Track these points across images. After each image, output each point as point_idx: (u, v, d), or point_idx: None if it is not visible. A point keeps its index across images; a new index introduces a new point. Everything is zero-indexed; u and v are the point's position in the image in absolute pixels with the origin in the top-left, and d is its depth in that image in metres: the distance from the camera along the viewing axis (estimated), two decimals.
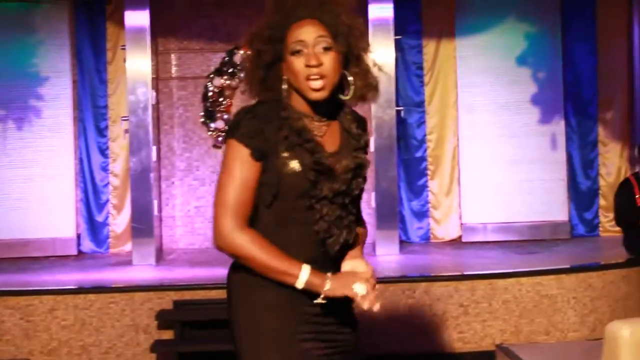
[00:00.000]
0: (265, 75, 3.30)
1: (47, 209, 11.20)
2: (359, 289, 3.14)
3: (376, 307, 3.15)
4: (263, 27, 3.30)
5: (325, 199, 3.20)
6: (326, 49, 3.21)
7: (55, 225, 11.25)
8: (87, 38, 11.54)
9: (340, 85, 3.29)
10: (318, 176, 3.18)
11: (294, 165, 3.17)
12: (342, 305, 3.29)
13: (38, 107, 11.45)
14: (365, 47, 3.33)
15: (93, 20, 11.55)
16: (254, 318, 3.23)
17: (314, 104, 3.24)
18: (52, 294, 8.14)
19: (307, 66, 3.19)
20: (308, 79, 3.20)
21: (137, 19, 10.43)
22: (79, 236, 11.40)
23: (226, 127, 11.45)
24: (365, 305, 3.13)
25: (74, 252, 11.26)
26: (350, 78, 3.27)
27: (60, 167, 11.26)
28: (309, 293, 3.16)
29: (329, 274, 3.15)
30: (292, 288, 3.15)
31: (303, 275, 3.13)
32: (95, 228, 11.37)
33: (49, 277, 9.50)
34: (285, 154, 3.17)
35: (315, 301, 3.14)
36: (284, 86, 3.28)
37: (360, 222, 3.48)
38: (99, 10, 11.54)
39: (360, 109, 10.45)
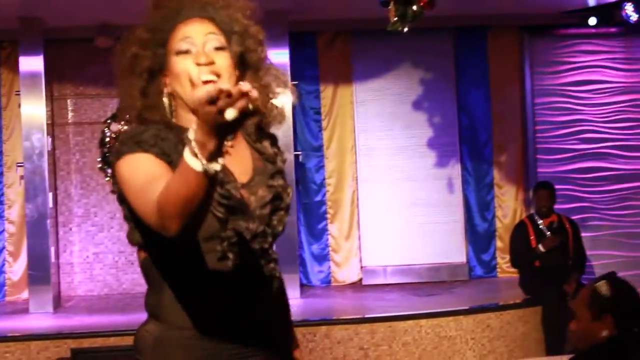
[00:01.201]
0: (146, 85, 2.73)
1: None
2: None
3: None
4: (141, 30, 2.77)
5: (241, 244, 2.61)
6: (218, 48, 2.68)
7: None
8: None
9: None
10: (228, 213, 2.58)
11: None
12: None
13: None
14: (266, 56, 2.84)
15: None
16: None
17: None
18: None
19: (197, 64, 2.63)
20: (194, 78, 2.63)
21: (32, 64, 10.32)
22: None
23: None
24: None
25: None
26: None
27: None
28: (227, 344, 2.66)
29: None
30: (207, 345, 2.64)
31: (188, 152, 2.21)
32: None
33: None
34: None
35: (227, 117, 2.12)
36: (165, 99, 2.73)
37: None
38: None
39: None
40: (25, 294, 10.75)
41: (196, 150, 2.17)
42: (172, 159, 2.52)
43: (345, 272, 11.55)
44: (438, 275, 11.40)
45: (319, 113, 11.66)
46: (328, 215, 11.58)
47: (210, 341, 2.63)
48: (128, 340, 7.87)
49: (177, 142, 2.56)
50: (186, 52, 2.67)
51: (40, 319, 9.55)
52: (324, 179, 11.60)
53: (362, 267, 11.50)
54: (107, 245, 11.52)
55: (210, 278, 2.60)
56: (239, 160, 2.69)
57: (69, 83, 11.53)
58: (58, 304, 10.28)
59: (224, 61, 2.66)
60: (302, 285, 10.67)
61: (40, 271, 10.03)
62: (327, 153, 11.62)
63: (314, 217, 11.56)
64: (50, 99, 10.92)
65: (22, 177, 10.52)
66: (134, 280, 11.46)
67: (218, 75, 2.62)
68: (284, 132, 10.29)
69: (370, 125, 11.64)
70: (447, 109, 11.70)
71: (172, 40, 2.70)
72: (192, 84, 2.62)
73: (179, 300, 2.62)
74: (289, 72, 10.40)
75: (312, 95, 11.64)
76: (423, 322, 8.32)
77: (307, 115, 11.62)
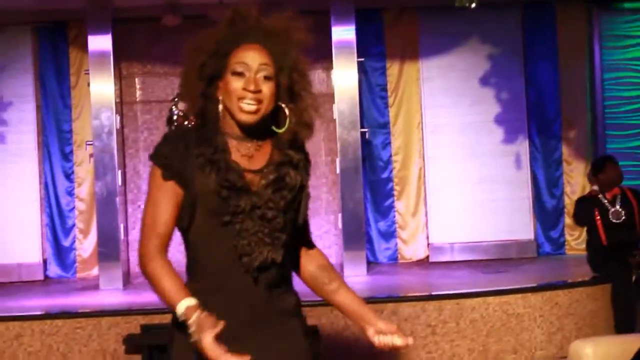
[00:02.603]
0: (205, 89, 3.25)
1: (13, 235, 11.13)
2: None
3: None
4: (211, 41, 3.26)
5: (242, 214, 3.15)
6: (267, 77, 3.19)
7: (21, 251, 11.18)
8: (50, 63, 11.51)
9: (275, 117, 3.26)
10: (230, 192, 3.14)
11: (208, 182, 3.14)
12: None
13: (2, 133, 11.39)
14: (307, 87, 3.32)
15: (56, 45, 11.52)
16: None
17: (244, 127, 3.20)
18: (18, 320, 8.09)
19: (244, 89, 3.17)
20: (241, 100, 3.17)
21: (100, 43, 10.39)
22: (45, 261, 11.33)
23: None
24: None
25: (41, 277, 11.20)
26: (288, 113, 3.24)
27: (26, 192, 11.18)
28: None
29: (197, 313, 3.00)
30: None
31: (179, 308, 3.04)
32: (61, 253, 11.31)
33: (15, 303, 9.42)
34: (200, 173, 3.14)
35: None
36: (219, 105, 3.25)
37: (313, 249, 3.52)
38: (61, 35, 11.52)
39: (325, 131, 10.48)
40: (95, 271, 10.91)
41: (182, 318, 3.02)
42: (181, 175, 3.16)
43: (412, 249, 11.53)
44: (505, 253, 11.34)
45: (385, 90, 11.63)
46: (395, 192, 11.56)
47: (207, 294, 3.14)
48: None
49: (200, 149, 3.17)
50: (240, 74, 3.19)
51: (110, 295, 9.67)
52: (390, 155, 11.58)
53: (428, 244, 11.48)
54: None
55: (214, 241, 3.18)
56: (260, 155, 3.26)
57: (137, 62, 11.62)
58: (127, 280, 10.40)
59: (268, 90, 3.18)
60: (368, 263, 10.67)
61: (110, 248, 10.15)
62: (394, 130, 11.59)
63: (381, 194, 11.55)
64: (119, 77, 11.02)
65: (91, 156, 10.63)
66: None
67: (260, 102, 3.17)
68: (350, 109, 10.32)
69: (436, 102, 11.60)
70: (515, 85, 11.61)
71: (232, 58, 3.21)
72: (237, 102, 3.19)
73: (192, 261, 3.26)
74: (355, 49, 10.40)
75: (378, 72, 11.61)
76: (491, 299, 8.27)
77: (374, 92, 11.60)
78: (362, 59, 10.78)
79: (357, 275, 10.12)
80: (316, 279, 3.46)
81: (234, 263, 3.16)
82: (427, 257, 11.46)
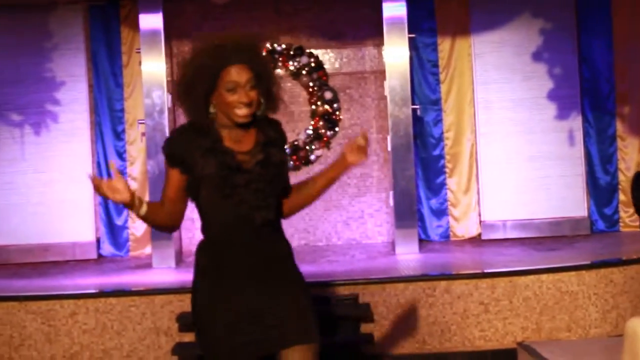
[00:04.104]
0: (204, 102, 4.23)
1: (67, 214, 11.24)
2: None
3: None
4: (201, 66, 4.22)
5: (240, 187, 4.16)
6: (252, 87, 4.19)
7: (74, 230, 11.29)
8: (102, 42, 11.57)
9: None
10: (228, 172, 4.16)
11: (209, 165, 4.17)
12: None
13: (55, 112, 11.48)
14: (274, 80, 4.32)
15: (108, 24, 11.58)
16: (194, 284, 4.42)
17: (238, 124, 4.24)
18: (73, 298, 8.18)
19: (239, 102, 4.17)
20: (236, 108, 4.19)
21: (151, 22, 10.44)
22: (98, 240, 11.43)
23: None
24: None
25: (94, 256, 11.30)
26: (263, 101, 4.26)
27: (79, 171, 11.25)
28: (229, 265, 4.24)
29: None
30: (214, 260, 4.27)
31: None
32: (114, 232, 11.40)
33: (70, 281, 9.52)
34: (202, 159, 4.18)
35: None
36: (212, 110, 4.26)
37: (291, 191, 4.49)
38: (113, 13, 11.57)
39: (376, 108, 10.49)
40: (148, 249, 10.99)
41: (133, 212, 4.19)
42: (185, 163, 4.23)
43: (464, 226, 11.48)
44: (559, 230, 11.25)
45: (436, 66, 11.56)
46: (446, 170, 11.51)
47: (219, 246, 4.27)
48: None
49: (198, 142, 4.21)
50: (233, 89, 4.18)
51: (163, 274, 9.73)
52: (442, 132, 11.52)
53: (481, 221, 11.42)
54: None
55: (220, 209, 4.21)
56: (248, 138, 4.28)
57: (188, 40, 11.63)
58: (180, 259, 10.46)
59: (255, 95, 4.21)
60: (420, 241, 10.65)
61: None
62: (445, 106, 11.53)
63: (432, 171, 11.50)
64: (170, 56, 11.04)
65: (143, 134, 10.69)
66: None
67: (251, 106, 4.20)
68: (401, 86, 10.28)
69: (488, 78, 11.51)
70: (568, 60, 11.48)
71: (223, 77, 4.19)
72: (233, 110, 4.21)
73: (205, 224, 4.33)
74: (406, 25, 10.34)
75: (429, 48, 11.53)
76: (544, 277, 8.22)
77: (425, 68, 11.53)
78: (413, 35, 10.73)
79: (409, 253, 10.11)
80: (297, 192, 4.47)
81: (238, 224, 4.20)
82: (479, 234, 11.41)
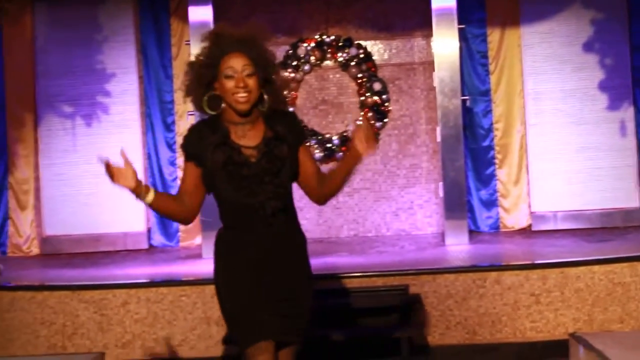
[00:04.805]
0: (205, 91, 4.46)
1: (118, 204, 11.28)
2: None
3: None
4: (203, 56, 4.46)
5: (247, 180, 4.37)
6: (249, 74, 4.36)
7: (126, 220, 11.38)
8: (151, 34, 11.64)
9: (260, 102, 4.45)
10: (234, 166, 4.38)
11: (217, 160, 4.39)
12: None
13: (105, 104, 11.58)
14: (276, 72, 4.52)
15: (157, 16, 11.66)
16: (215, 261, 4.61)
17: (240, 113, 4.40)
18: (124, 288, 8.24)
19: (236, 87, 4.35)
20: (235, 94, 4.36)
21: (201, 14, 10.48)
22: (149, 230, 11.52)
23: None
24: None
25: (145, 246, 11.40)
26: (266, 96, 4.44)
27: None
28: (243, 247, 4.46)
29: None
30: (230, 244, 4.49)
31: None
32: (165, 222, 11.46)
33: (121, 271, 9.60)
34: (212, 155, 4.40)
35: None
36: (223, 105, 4.47)
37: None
38: (162, 6, 11.64)
39: (425, 99, 10.46)
40: (198, 240, 11.05)
41: (139, 200, 4.38)
42: (200, 157, 4.43)
43: (514, 217, 11.43)
44: (610, 221, 11.16)
45: (486, 57, 11.51)
46: (496, 161, 11.45)
47: (235, 232, 4.48)
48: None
49: (210, 138, 4.42)
50: (230, 76, 4.37)
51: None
52: (491, 123, 11.47)
53: (531, 212, 11.36)
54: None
55: (232, 200, 4.42)
56: (255, 133, 4.46)
57: None
58: None
59: (252, 83, 4.37)
60: (470, 232, 10.61)
61: (211, 217, 10.19)
62: (495, 97, 11.47)
63: (482, 162, 11.45)
64: None
65: None
66: (303, 226, 11.53)
67: (249, 92, 4.36)
68: (450, 77, 10.24)
69: (538, 69, 11.45)
70: (619, 50, 11.38)
71: (222, 65, 4.39)
72: (233, 97, 4.38)
73: (222, 213, 4.52)
74: (455, 16, 10.30)
75: (479, 39, 11.48)
76: (596, 268, 8.15)
77: (474, 59, 11.48)
78: (463, 26, 10.67)
79: (458, 244, 10.08)
80: (323, 182, 4.57)
81: (249, 214, 4.40)
82: (530, 225, 11.35)
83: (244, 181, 4.38)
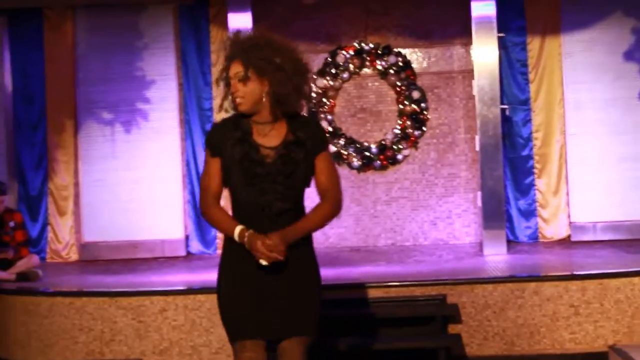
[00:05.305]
0: (228, 91, 4.63)
1: (156, 211, 11.39)
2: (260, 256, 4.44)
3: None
4: (224, 59, 4.68)
5: (260, 178, 4.50)
6: (241, 80, 4.53)
7: (163, 227, 11.43)
8: (191, 41, 11.69)
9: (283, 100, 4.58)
10: (250, 163, 4.52)
11: (235, 155, 4.53)
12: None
13: (145, 110, 11.64)
14: (286, 77, 4.53)
15: (197, 24, 11.70)
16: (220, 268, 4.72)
17: (258, 113, 4.57)
18: (162, 295, 8.25)
19: (233, 91, 4.57)
20: (234, 98, 4.58)
21: (240, 20, 10.53)
22: (187, 237, 11.55)
23: (330, 128, 11.53)
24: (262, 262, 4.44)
25: (183, 253, 11.43)
26: (264, 99, 4.55)
27: (168, 169, 11.41)
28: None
29: (247, 233, 4.47)
30: (235, 252, 4.56)
31: (235, 233, 4.49)
32: (202, 229, 11.49)
33: (159, 278, 9.63)
34: (231, 150, 4.55)
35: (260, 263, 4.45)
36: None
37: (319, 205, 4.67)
38: (202, 13, 11.69)
39: (464, 108, 10.41)
40: None
41: (238, 240, 4.48)
42: (221, 151, 4.58)
43: (553, 228, 11.35)
44: None
45: (525, 65, 11.45)
46: (535, 170, 11.39)
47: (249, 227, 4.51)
48: (336, 294, 8.00)
49: (232, 133, 4.58)
50: (230, 83, 4.59)
51: None
52: (530, 132, 11.41)
53: (570, 223, 11.29)
54: (314, 200, 11.67)
55: (244, 195, 4.55)
56: (275, 133, 4.59)
57: None
58: None
59: (245, 88, 4.54)
60: (508, 242, 10.55)
61: None
62: (534, 106, 11.42)
63: (521, 172, 11.40)
64: None
65: None
66: (341, 235, 11.62)
67: (242, 97, 4.54)
68: (490, 85, 10.20)
69: (578, 78, 11.39)
70: None
71: (229, 70, 4.61)
72: (235, 100, 4.60)
73: (233, 209, 4.63)
74: (495, 24, 10.27)
75: (518, 48, 11.43)
76: (636, 279, 8.07)
77: (514, 68, 11.43)
78: (502, 34, 10.63)
79: (496, 254, 10.03)
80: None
81: (258, 211, 4.52)
82: (569, 236, 11.28)
83: (256, 179, 4.51)
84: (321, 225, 4.67)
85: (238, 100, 4.56)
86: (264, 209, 4.51)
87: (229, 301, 4.65)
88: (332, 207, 4.69)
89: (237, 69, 4.56)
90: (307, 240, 4.69)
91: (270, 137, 4.59)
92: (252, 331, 4.57)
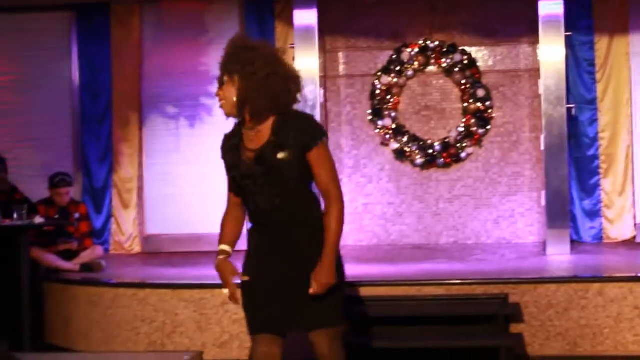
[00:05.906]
0: None
1: (219, 205, 11.31)
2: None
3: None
4: None
5: (246, 180, 4.66)
6: (219, 86, 4.69)
7: None
8: (257, 37, 11.69)
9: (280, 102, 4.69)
10: (235, 168, 4.71)
11: (229, 162, 4.75)
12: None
13: (209, 105, 11.69)
14: (247, 74, 4.59)
15: (262, 19, 11.73)
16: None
17: (250, 117, 4.65)
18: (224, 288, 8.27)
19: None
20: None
21: (306, 17, 10.54)
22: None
23: (393, 125, 11.50)
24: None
25: (244, 247, 11.42)
26: (235, 99, 4.62)
27: None
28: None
29: (219, 257, 4.86)
30: (255, 246, 4.78)
31: (219, 248, 4.87)
32: None
33: None
34: (228, 157, 4.77)
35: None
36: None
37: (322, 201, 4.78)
38: (268, 9, 11.72)
39: (529, 107, 10.33)
40: None
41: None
42: (226, 159, 4.79)
43: (618, 228, 11.22)
44: None
45: (592, 65, 11.32)
46: (601, 170, 11.26)
47: (252, 229, 4.79)
48: (398, 291, 7.99)
49: (232, 141, 4.78)
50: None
51: None
52: (597, 132, 11.29)
53: (636, 224, 11.17)
54: (376, 197, 11.69)
55: (244, 198, 4.75)
56: (260, 136, 4.65)
57: (341, 36, 11.71)
58: None
59: (223, 93, 4.67)
60: (572, 242, 10.46)
61: None
62: (601, 106, 11.28)
63: (586, 171, 11.28)
64: (323, 51, 11.11)
65: None
66: (402, 232, 11.59)
67: (221, 100, 4.68)
68: (556, 84, 10.10)
69: None
70: None
71: None
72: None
73: (247, 214, 4.83)
74: (562, 23, 10.17)
75: (586, 47, 11.30)
76: None
77: (581, 67, 11.31)
78: (570, 33, 10.52)
79: (560, 254, 9.93)
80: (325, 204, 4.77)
81: (257, 211, 4.68)
82: (634, 237, 11.15)
83: (244, 181, 4.67)
84: (342, 229, 4.69)
85: (220, 105, 4.72)
86: (257, 207, 4.67)
87: (247, 294, 4.77)
88: (340, 207, 4.69)
89: (219, 74, 4.72)
90: (315, 230, 4.69)
91: (254, 141, 4.68)
92: (268, 326, 4.71)
